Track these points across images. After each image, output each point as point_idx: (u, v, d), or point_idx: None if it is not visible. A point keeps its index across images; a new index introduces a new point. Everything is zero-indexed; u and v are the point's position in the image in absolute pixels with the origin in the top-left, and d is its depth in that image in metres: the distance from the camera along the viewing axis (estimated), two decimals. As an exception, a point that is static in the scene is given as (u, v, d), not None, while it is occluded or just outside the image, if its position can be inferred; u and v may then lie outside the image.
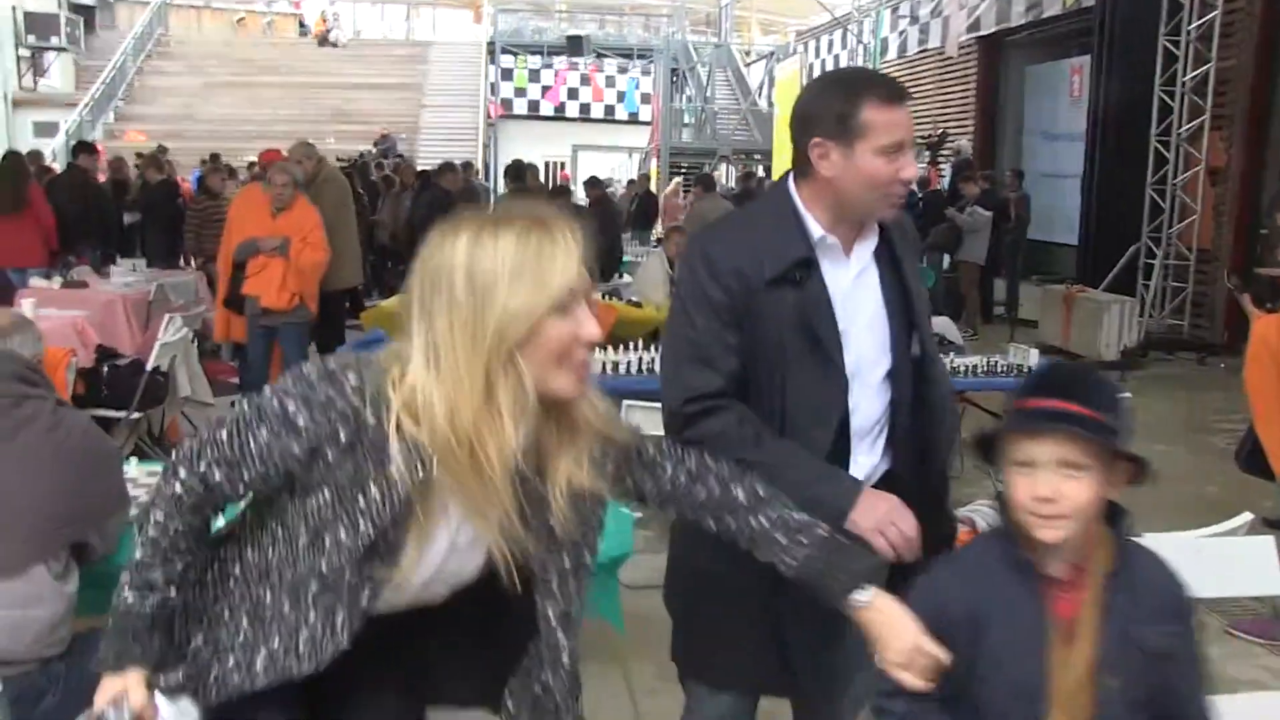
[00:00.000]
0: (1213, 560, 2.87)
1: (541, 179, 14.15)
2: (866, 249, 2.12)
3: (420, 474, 1.54)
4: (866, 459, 2.15)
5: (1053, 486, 1.59)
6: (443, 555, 1.67)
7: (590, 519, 1.73)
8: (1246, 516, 3.04)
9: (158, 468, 3.40)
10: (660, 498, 1.85)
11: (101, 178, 11.66)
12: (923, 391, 2.16)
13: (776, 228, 2.08)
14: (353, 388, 1.54)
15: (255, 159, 17.70)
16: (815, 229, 2.06)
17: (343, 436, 1.54)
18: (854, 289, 2.10)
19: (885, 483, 2.14)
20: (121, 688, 1.63)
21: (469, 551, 1.69)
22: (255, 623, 1.68)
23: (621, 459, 1.78)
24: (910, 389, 2.14)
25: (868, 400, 2.11)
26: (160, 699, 1.66)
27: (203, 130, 23.45)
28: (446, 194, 10.07)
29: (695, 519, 1.86)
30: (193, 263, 9.36)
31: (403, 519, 1.58)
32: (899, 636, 1.68)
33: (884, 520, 1.95)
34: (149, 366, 5.71)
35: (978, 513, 2.79)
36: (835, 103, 1.99)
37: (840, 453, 2.09)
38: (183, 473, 1.63)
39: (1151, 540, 2.81)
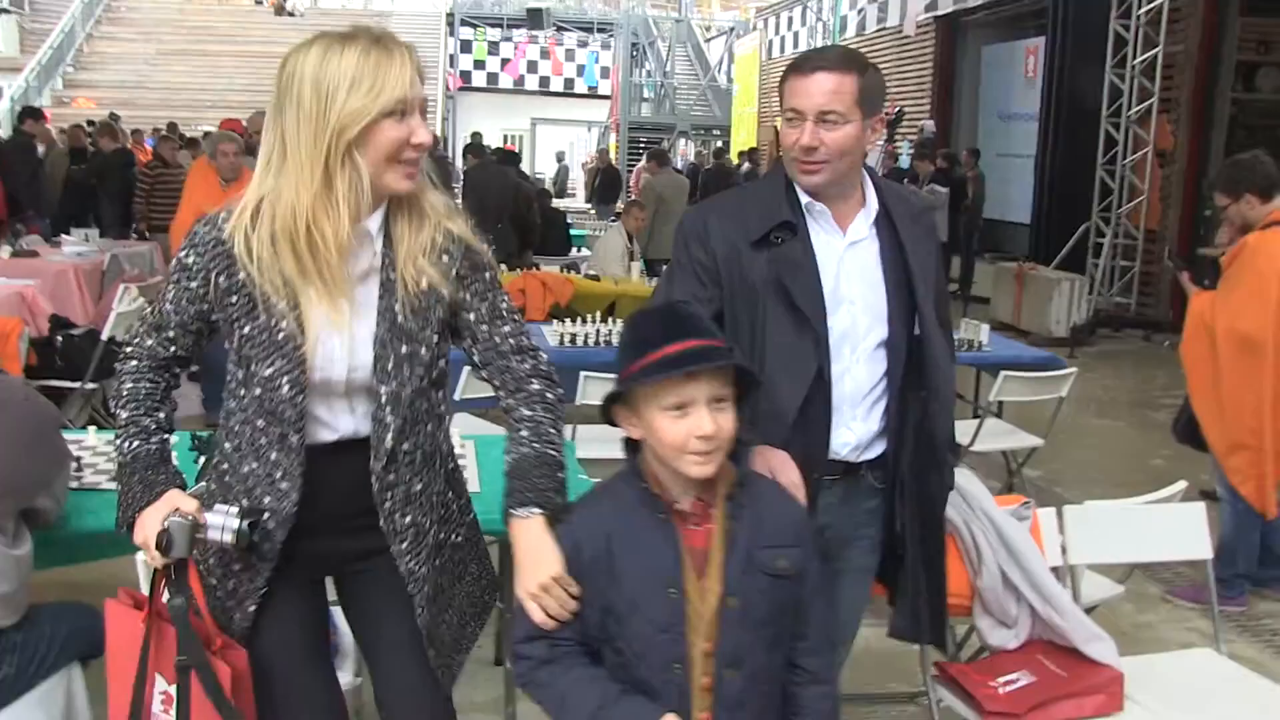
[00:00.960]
0: (1149, 526, 3.02)
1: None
2: (865, 221, 2.19)
3: (272, 265, 1.76)
4: (860, 425, 2.21)
5: (712, 422, 1.66)
6: (340, 347, 1.82)
7: (429, 314, 1.86)
8: (1181, 485, 3.17)
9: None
10: (482, 350, 1.94)
11: (42, 147, 11.40)
12: (920, 371, 2.21)
13: (767, 196, 2.21)
14: (221, 218, 1.81)
15: (211, 130, 17.57)
16: (804, 196, 2.16)
17: (218, 260, 1.80)
18: (849, 256, 2.18)
19: (877, 467, 2.26)
20: (169, 506, 1.80)
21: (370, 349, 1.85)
22: (250, 495, 1.88)
23: (469, 268, 1.90)
24: (904, 365, 2.21)
25: (859, 367, 2.18)
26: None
27: (155, 99, 23.09)
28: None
29: (496, 387, 1.96)
30: (143, 230, 9.28)
31: (284, 313, 1.78)
32: (536, 565, 1.73)
33: (772, 469, 2.00)
34: (104, 336, 5.68)
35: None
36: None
37: (818, 414, 2.14)
38: (129, 349, 1.94)
39: (1091, 507, 2.96)
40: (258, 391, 1.82)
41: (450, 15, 29.31)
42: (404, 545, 1.91)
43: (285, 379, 1.80)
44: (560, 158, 25.41)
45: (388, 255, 1.84)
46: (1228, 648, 2.99)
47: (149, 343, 1.91)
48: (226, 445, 1.92)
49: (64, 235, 8.72)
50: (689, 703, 1.71)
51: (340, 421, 1.88)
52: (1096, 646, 2.63)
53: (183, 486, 1.88)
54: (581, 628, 1.74)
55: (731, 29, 29.04)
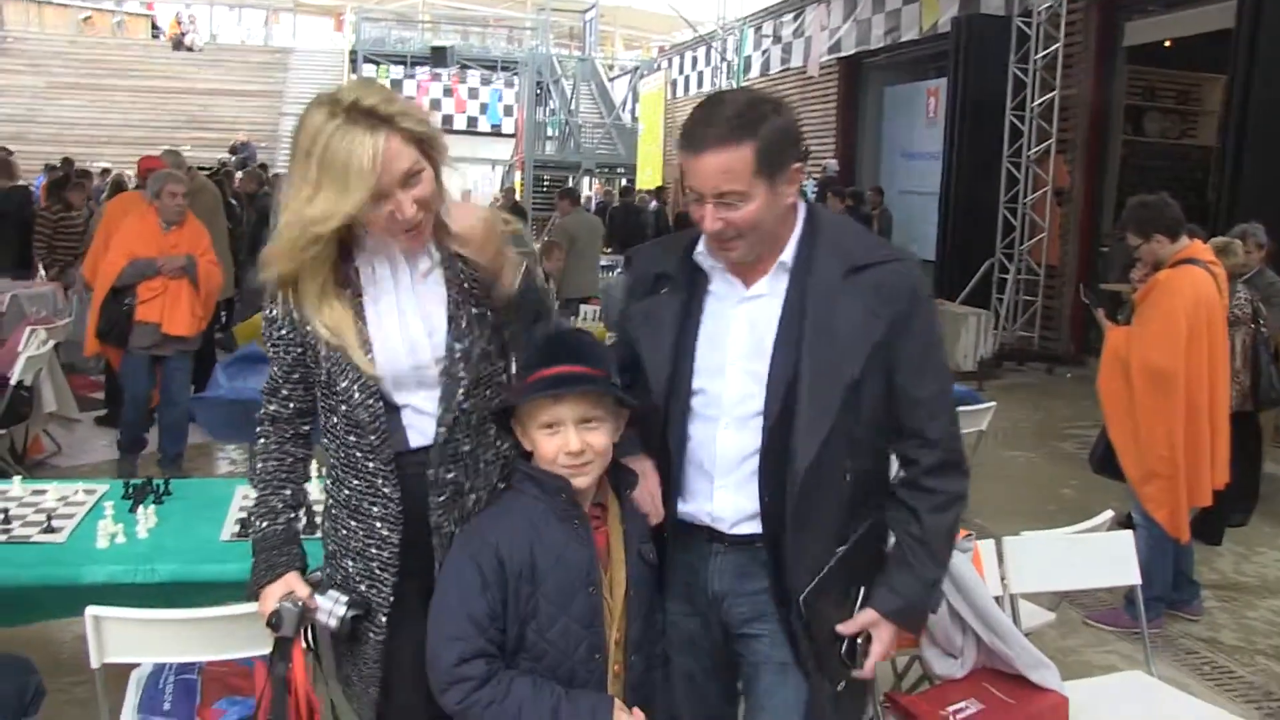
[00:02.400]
0: (1080, 555, 3.13)
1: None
2: (772, 281, 1.99)
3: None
4: (731, 497, 2.02)
5: (580, 440, 1.86)
6: (397, 334, 1.97)
7: (491, 290, 2.01)
8: (1108, 514, 3.30)
9: (45, 485, 3.31)
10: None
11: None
12: (784, 447, 1.93)
13: (673, 243, 2.12)
14: None
15: (108, 166, 17.09)
16: (702, 248, 2.02)
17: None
18: (740, 313, 2.00)
19: (763, 544, 2.01)
20: (285, 588, 2.01)
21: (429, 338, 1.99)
22: (356, 516, 2.02)
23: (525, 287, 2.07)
24: (780, 437, 1.95)
25: (729, 434, 2.00)
26: (314, 594, 2.01)
27: (47, 134, 22.39)
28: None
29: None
30: (44, 274, 8.97)
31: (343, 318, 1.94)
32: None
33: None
34: (13, 381, 5.49)
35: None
36: None
37: (664, 477, 2.05)
38: (259, 428, 2.09)
39: (1029, 538, 3.06)
40: (343, 409, 1.98)
41: (353, 52, 29.06)
42: (440, 499, 1.99)
43: (356, 387, 1.96)
44: (466, 196, 25.33)
45: (444, 250, 2.00)
46: (1147, 669, 3.13)
47: (271, 408, 2.08)
48: (328, 481, 2.10)
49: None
50: (606, 690, 1.88)
51: (424, 423, 1.99)
52: (1041, 673, 2.72)
53: (303, 568, 2.06)
54: (504, 641, 1.84)
55: (636, 68, 29.32)
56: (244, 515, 3.05)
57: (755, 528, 2.01)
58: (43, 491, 3.26)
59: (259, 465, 2.09)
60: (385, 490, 1.98)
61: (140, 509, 3.06)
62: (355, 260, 1.99)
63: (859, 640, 2.00)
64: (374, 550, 2.00)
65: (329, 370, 1.98)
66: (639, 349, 2.05)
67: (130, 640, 2.39)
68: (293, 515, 2.09)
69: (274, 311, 2.01)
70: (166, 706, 2.55)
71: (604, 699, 1.85)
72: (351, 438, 1.99)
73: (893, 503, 2.03)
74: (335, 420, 2.01)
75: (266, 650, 2.34)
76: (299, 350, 2.01)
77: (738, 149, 1.85)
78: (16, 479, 3.38)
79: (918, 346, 1.96)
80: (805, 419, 1.91)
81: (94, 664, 2.36)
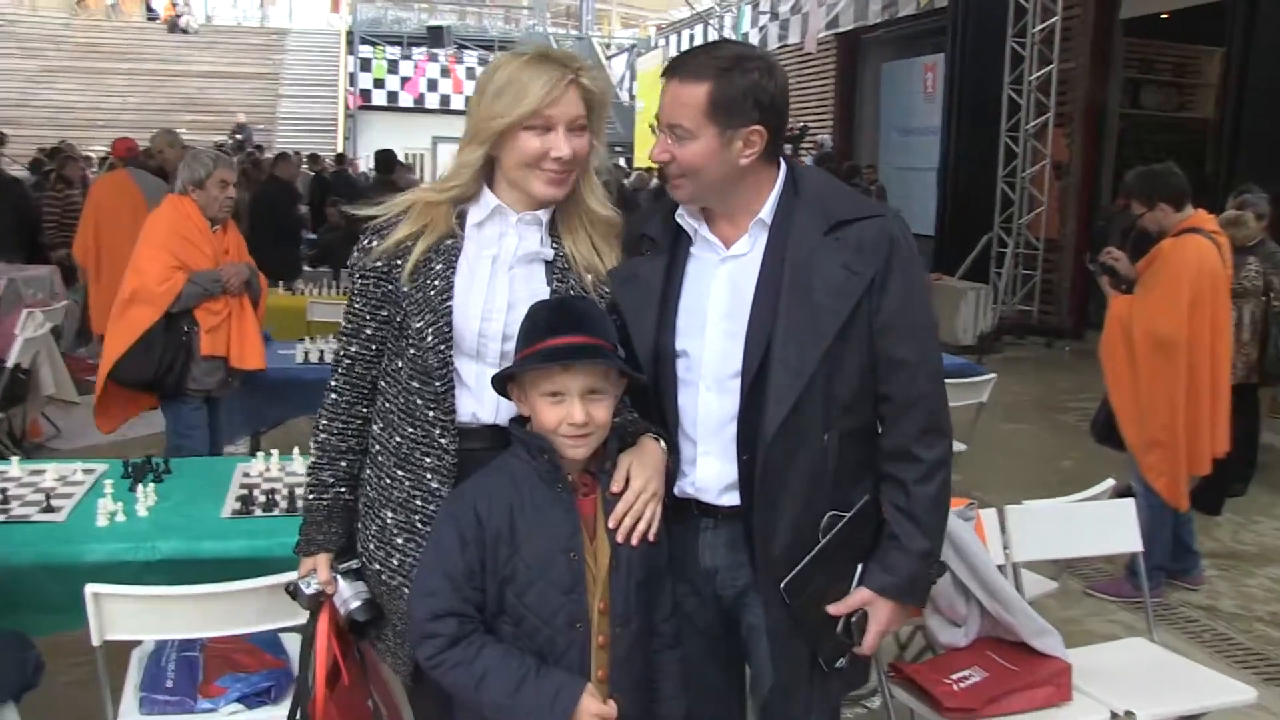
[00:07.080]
0: (1082, 523, 3.13)
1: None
2: (751, 239, 1.97)
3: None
4: (715, 466, 1.99)
5: (584, 411, 1.82)
6: (476, 304, 1.96)
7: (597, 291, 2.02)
8: (1109, 483, 3.30)
9: (44, 465, 3.30)
10: None
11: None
12: (758, 413, 1.91)
13: (660, 205, 2.11)
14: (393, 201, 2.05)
15: (105, 151, 16.99)
16: (682, 207, 2.02)
17: (390, 229, 2.00)
18: (723, 273, 1.98)
19: (741, 522, 1.98)
20: (311, 566, 2.07)
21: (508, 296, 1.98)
22: (405, 466, 1.99)
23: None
24: (756, 398, 1.92)
25: (711, 396, 1.97)
26: (340, 578, 2.05)
27: (42, 119, 22.28)
28: (283, 184, 9.93)
29: None
30: (66, 256, 8.91)
31: (439, 273, 1.96)
32: (659, 476, 1.92)
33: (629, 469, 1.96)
34: (10, 363, 5.48)
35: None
36: None
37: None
38: (332, 381, 2.08)
39: (1031, 506, 3.06)
40: (411, 352, 1.97)
41: (350, 33, 28.93)
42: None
43: (430, 330, 1.95)
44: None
45: (557, 248, 2.02)
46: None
47: (352, 349, 2.05)
48: (376, 427, 2.06)
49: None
50: (589, 660, 1.84)
51: (485, 395, 1.95)
52: (1045, 640, 2.72)
53: (336, 550, 2.07)
54: (483, 601, 1.83)
55: (633, 46, 29.22)
56: (244, 492, 3.05)
57: (739, 498, 1.98)
58: (41, 471, 3.24)
59: (322, 424, 2.07)
60: (442, 441, 1.96)
61: (140, 487, 3.04)
62: (470, 217, 2.01)
63: (853, 619, 1.97)
64: (419, 503, 1.98)
65: (406, 309, 1.97)
66: (621, 313, 2.00)
67: (130, 617, 2.39)
68: (342, 490, 2.08)
69: (370, 242, 2.01)
70: (169, 684, 2.55)
71: (574, 682, 1.80)
72: (415, 384, 1.97)
73: (883, 474, 1.98)
74: (400, 364, 2.00)
75: (268, 626, 2.44)
76: (388, 286, 1.99)
77: (696, 85, 1.88)
78: (15, 459, 3.36)
79: (897, 306, 1.90)
80: (777, 379, 1.88)
81: (94, 641, 2.36)
